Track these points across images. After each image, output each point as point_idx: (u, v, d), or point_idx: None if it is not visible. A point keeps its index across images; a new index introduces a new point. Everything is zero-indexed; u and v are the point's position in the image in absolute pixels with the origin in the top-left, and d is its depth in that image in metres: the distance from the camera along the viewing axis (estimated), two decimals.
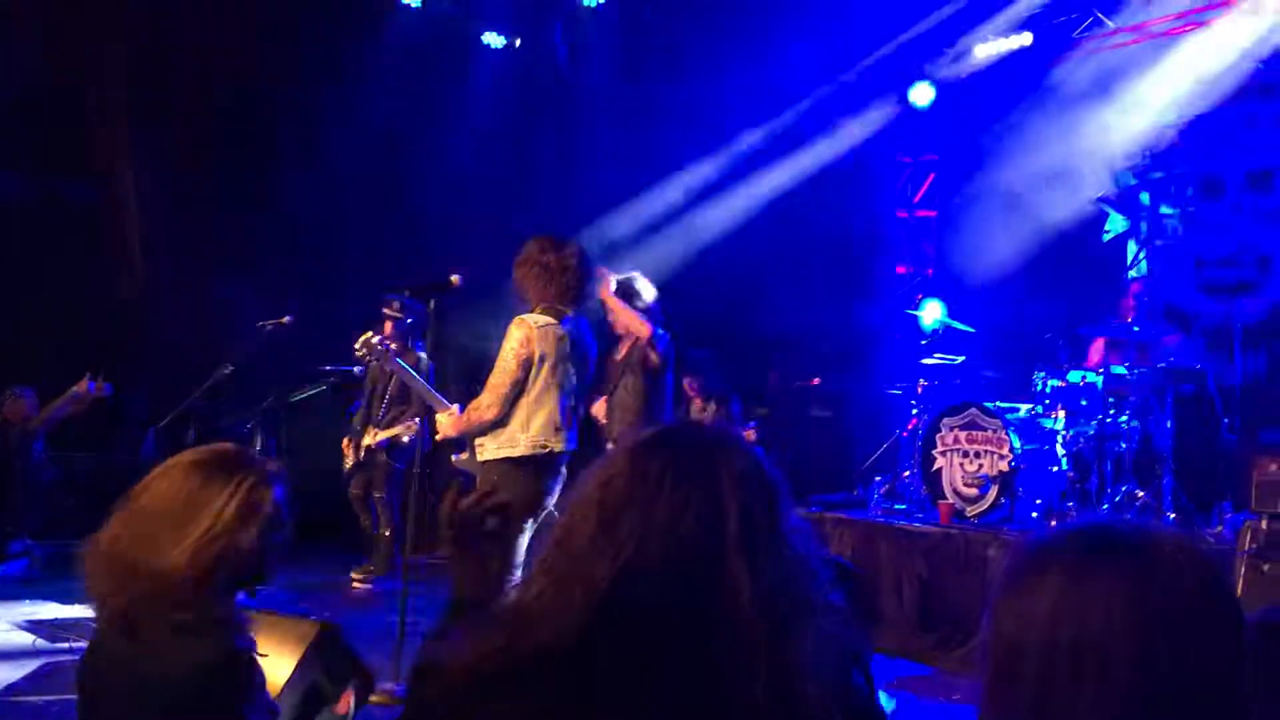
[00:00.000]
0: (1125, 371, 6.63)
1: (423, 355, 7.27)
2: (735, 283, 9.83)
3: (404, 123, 10.14)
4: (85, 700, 2.17)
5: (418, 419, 5.64)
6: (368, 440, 7.87)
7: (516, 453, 4.71)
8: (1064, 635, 1.10)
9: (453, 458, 5.09)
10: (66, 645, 5.67)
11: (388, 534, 7.89)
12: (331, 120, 9.55)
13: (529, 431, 4.71)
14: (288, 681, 2.70)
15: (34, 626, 6.22)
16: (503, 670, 1.26)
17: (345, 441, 8.04)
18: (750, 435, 7.78)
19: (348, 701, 2.65)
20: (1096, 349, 6.97)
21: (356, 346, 5.39)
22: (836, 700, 1.26)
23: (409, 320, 7.70)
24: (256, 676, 2.08)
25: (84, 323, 9.63)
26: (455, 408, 4.99)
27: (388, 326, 7.60)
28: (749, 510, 1.31)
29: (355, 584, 7.87)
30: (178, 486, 2.10)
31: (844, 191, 10.00)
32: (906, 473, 7.63)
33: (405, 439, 7.70)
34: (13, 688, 5.19)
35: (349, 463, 7.98)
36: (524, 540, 4.60)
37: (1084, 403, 6.71)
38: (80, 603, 6.70)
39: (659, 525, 1.28)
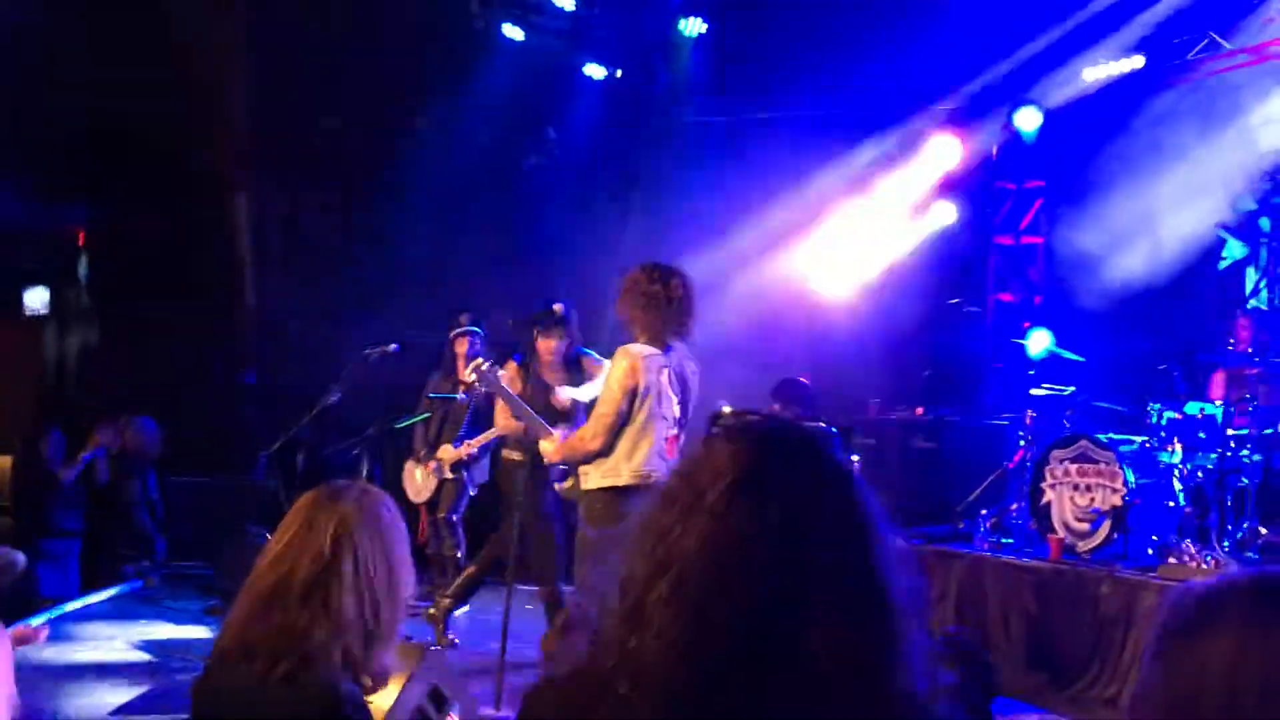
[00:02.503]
0: (1247, 404, 6.37)
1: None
2: (830, 312, 9.74)
3: (510, 153, 10.32)
4: None
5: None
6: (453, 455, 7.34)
7: (620, 482, 4.71)
8: (1248, 683, 1.06)
9: (556, 486, 5.12)
10: (180, 667, 5.81)
11: (459, 554, 7.39)
12: (439, 151, 9.74)
13: (632, 461, 4.72)
14: (393, 705, 2.72)
15: (148, 647, 6.40)
16: None
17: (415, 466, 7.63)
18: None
19: None
20: (1217, 380, 6.71)
21: (467, 371, 5.47)
22: None
23: (480, 338, 7.25)
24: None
25: (197, 347, 9.96)
26: (559, 434, 5.03)
27: (462, 344, 7.20)
28: (858, 558, 1.22)
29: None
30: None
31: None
32: (1014, 506, 7.42)
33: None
34: (126, 708, 5.34)
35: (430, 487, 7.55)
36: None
37: (1202, 435, 6.45)
38: (194, 624, 6.88)
39: (769, 586, 1.18)
